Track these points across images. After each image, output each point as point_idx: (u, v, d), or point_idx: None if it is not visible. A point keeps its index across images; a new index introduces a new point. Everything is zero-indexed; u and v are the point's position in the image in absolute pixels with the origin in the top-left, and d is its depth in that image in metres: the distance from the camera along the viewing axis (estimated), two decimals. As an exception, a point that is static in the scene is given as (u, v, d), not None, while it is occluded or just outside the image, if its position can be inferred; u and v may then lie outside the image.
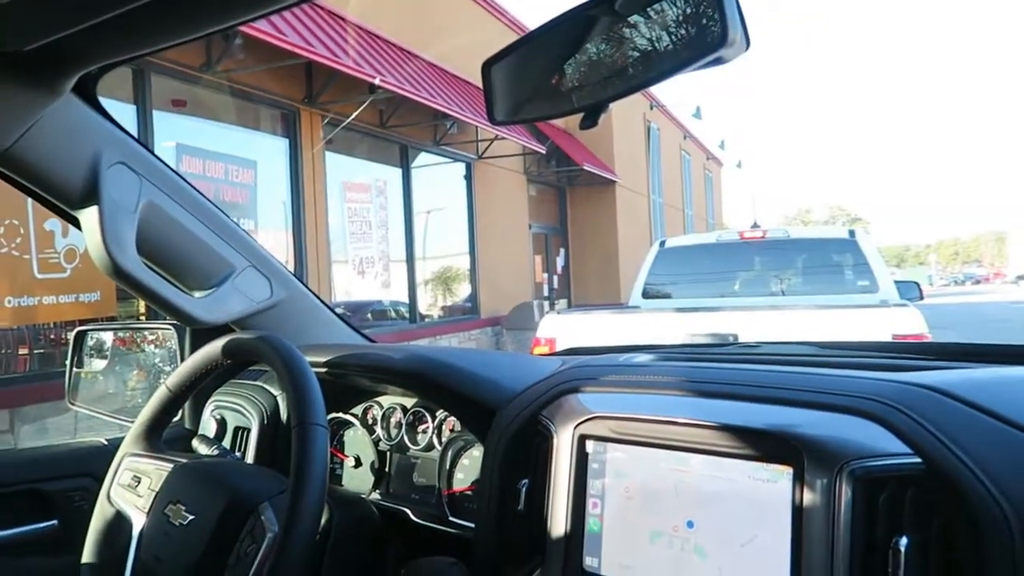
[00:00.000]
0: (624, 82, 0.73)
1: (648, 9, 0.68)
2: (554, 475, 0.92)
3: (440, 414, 1.23)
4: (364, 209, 8.70)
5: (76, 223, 1.15)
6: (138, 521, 0.99)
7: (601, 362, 1.12)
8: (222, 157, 6.66)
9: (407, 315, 9.57)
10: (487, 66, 0.84)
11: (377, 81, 6.96)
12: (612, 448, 0.88)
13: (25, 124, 1.00)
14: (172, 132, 6.30)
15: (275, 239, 7.31)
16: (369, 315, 9.01)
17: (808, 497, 0.73)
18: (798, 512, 0.74)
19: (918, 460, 0.70)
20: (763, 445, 0.78)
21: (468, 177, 11.05)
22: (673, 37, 0.68)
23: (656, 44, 0.69)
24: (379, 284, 9.00)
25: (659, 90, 17.99)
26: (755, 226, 7.23)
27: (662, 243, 6.08)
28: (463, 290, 11.20)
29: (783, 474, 0.76)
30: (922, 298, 5.53)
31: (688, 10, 0.64)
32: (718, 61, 0.68)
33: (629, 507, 0.86)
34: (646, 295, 5.76)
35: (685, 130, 21.63)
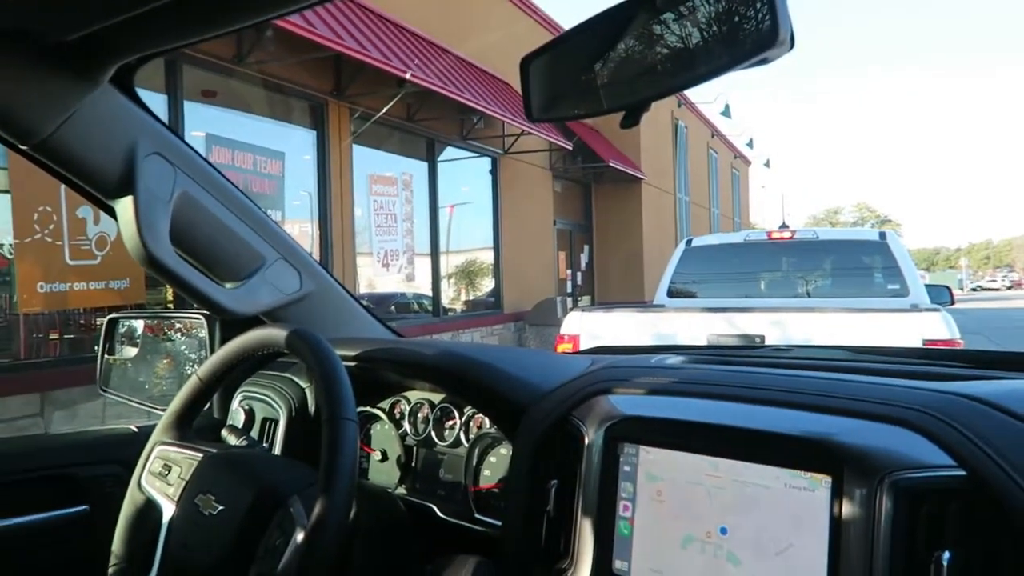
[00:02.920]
0: (665, 82, 0.71)
1: (693, 7, 0.67)
2: (584, 476, 0.91)
3: (468, 410, 1.22)
4: (390, 202, 8.74)
5: (112, 212, 1.16)
6: (168, 509, 0.99)
7: (633, 363, 1.11)
8: (251, 148, 6.72)
9: (430, 308, 9.60)
10: (525, 63, 0.83)
11: (408, 76, 6.98)
12: (644, 450, 0.87)
13: (64, 113, 1.01)
14: (202, 122, 6.36)
15: (301, 230, 7.36)
16: (392, 308, 9.05)
17: (847, 508, 0.72)
18: (836, 522, 0.72)
19: (961, 472, 0.69)
20: (801, 453, 0.76)
21: (494, 172, 11.05)
22: (718, 36, 0.67)
23: (701, 43, 0.67)
24: (403, 277, 9.03)
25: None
26: (784, 226, 7.16)
27: (688, 242, 6.05)
28: (486, 285, 11.21)
29: (821, 483, 0.74)
30: (953, 303, 5.44)
31: (735, 8, 0.63)
32: (762, 61, 0.67)
33: (660, 511, 0.85)
34: (671, 294, 5.73)
35: (713, 128, 21.45)
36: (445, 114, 8.92)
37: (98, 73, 1.00)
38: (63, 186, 1.18)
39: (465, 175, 10.53)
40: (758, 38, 0.61)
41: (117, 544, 1.06)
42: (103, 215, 5.03)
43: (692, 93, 18.10)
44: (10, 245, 4.90)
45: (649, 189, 15.23)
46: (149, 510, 1.04)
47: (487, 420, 1.18)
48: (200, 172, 1.23)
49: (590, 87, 0.78)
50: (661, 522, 0.84)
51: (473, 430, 1.21)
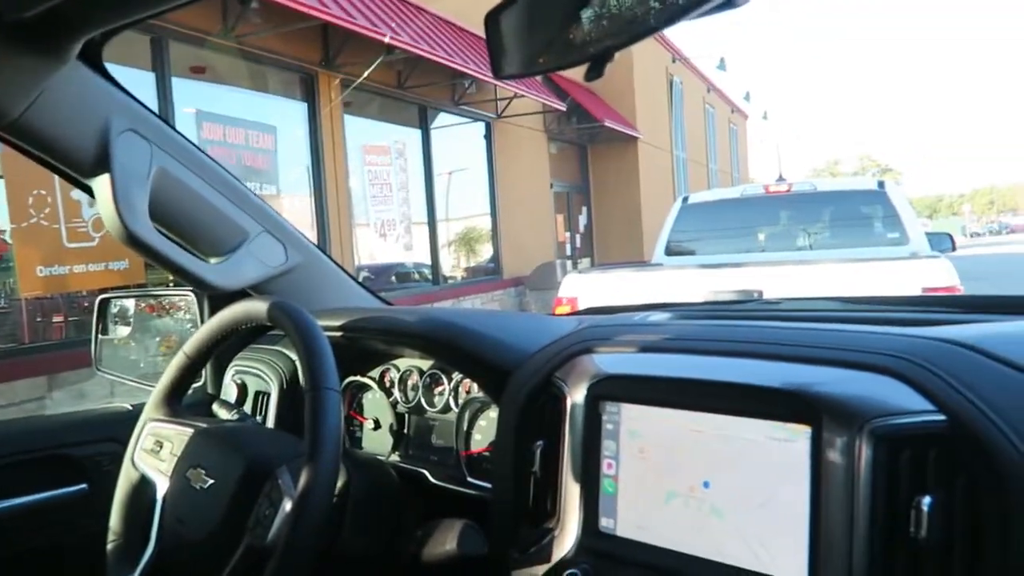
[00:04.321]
0: (631, 29, 0.70)
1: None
2: (567, 436, 0.91)
3: (456, 376, 1.22)
4: (384, 171, 8.68)
5: (90, 192, 1.15)
6: (161, 485, 1.00)
7: (616, 322, 1.10)
8: (242, 123, 6.66)
9: (430, 277, 9.60)
10: (490, 17, 0.81)
11: (387, 39, 6.87)
12: (626, 408, 0.87)
13: (33, 93, 1.00)
14: (192, 99, 6.29)
15: (297, 204, 7.33)
16: (393, 278, 9.05)
17: (828, 457, 0.72)
18: (817, 472, 0.72)
19: (942, 417, 0.69)
20: (780, 404, 0.76)
21: (488, 137, 10.95)
22: None
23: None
24: (401, 247, 9.01)
25: (682, 42, 17.56)
26: (780, 179, 7.10)
27: (685, 199, 6.01)
28: (485, 251, 11.19)
29: (801, 434, 0.74)
30: (954, 249, 5.42)
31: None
32: (729, 5, 0.65)
33: (644, 468, 0.85)
34: (669, 252, 5.71)
35: (709, 83, 21.19)
36: (436, 80, 8.82)
37: (63, 50, 0.99)
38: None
39: (459, 141, 10.44)
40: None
41: (115, 521, 1.07)
42: (96, 196, 5.03)
43: (687, 48, 17.84)
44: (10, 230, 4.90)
45: (646, 147, 15.11)
46: (144, 486, 1.05)
47: (476, 385, 1.18)
48: (177, 147, 1.21)
49: (559, 38, 0.77)
50: (645, 479, 0.84)
51: (462, 395, 1.21)
